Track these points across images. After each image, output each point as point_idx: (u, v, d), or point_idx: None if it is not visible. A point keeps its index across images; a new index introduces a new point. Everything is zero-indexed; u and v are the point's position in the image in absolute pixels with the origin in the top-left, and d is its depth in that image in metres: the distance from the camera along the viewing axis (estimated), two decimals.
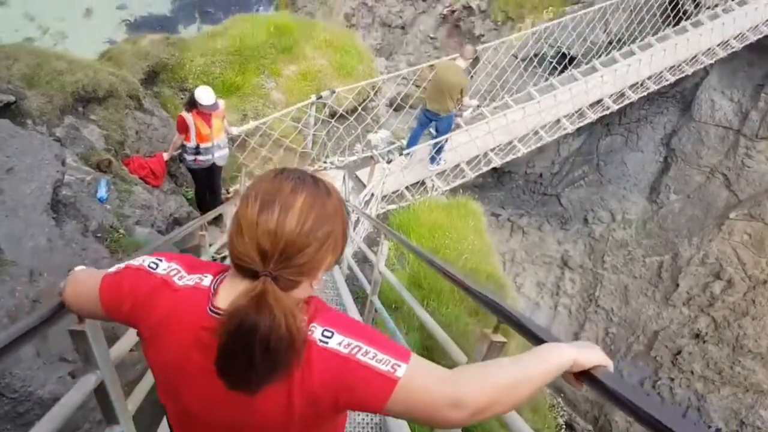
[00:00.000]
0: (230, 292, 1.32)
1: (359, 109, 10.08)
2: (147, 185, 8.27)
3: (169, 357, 1.40)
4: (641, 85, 11.76)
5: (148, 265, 1.48)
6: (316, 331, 1.30)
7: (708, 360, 17.09)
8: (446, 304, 8.28)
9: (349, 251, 8.37)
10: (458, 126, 10.70)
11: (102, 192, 7.22)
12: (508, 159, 10.78)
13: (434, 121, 9.72)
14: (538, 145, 10.91)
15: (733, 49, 13.12)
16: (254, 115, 10.23)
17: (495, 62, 13.02)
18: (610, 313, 18.47)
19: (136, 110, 9.05)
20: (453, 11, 19.86)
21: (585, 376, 1.33)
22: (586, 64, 12.72)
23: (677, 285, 17.55)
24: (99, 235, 6.75)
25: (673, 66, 12.07)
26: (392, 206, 9.72)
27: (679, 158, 17.70)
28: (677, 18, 14.09)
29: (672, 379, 17.52)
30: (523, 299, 18.38)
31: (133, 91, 8.98)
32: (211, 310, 1.34)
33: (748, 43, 13.42)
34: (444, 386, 1.24)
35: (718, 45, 12.71)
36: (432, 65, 10.30)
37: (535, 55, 13.84)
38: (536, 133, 10.84)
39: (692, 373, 17.32)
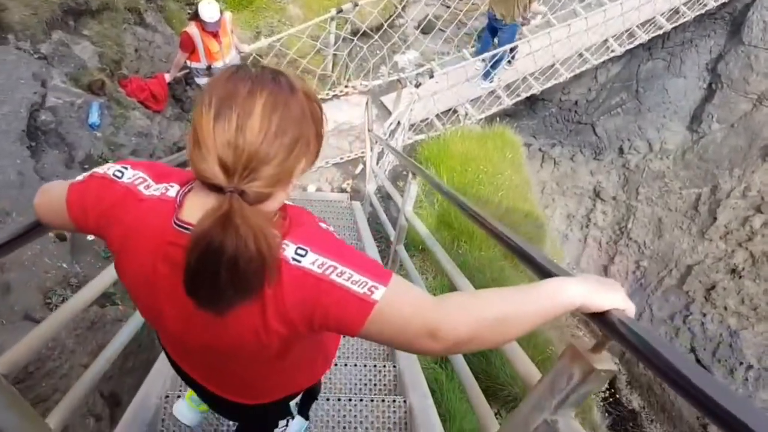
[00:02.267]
0: (196, 206, 1.18)
1: (385, 26, 8.67)
2: (147, 110, 7.14)
3: (137, 272, 1.27)
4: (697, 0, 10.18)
5: (113, 174, 1.32)
6: (289, 249, 1.18)
7: (743, 295, 15.91)
8: (479, 245, 7.13)
9: (371, 187, 7.21)
10: (522, 36, 9.33)
11: (94, 117, 6.17)
12: (549, 85, 9.40)
13: (497, 29, 8.49)
14: (583, 69, 9.50)
15: None
16: (269, 32, 8.92)
17: None
18: (642, 246, 17.25)
19: (136, 25, 7.82)
20: None
21: (597, 318, 1.17)
22: None
23: (715, 218, 16.20)
24: (86, 166, 5.75)
25: None
26: (420, 136, 8.47)
27: (724, 84, 16.00)
28: None
29: (704, 315, 16.42)
30: (552, 231, 17.24)
31: (132, 3, 7.74)
32: (176, 223, 1.20)
33: None
34: (424, 314, 1.14)
35: None
36: None
37: None
38: (581, 55, 9.41)
39: (726, 308, 16.19)
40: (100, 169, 1.35)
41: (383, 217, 6.27)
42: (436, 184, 3.53)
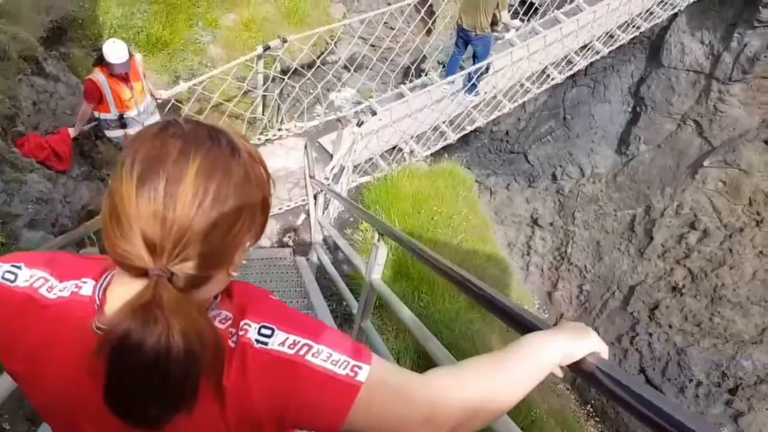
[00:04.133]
0: (120, 300, 0.89)
1: (318, 62, 7.72)
2: (49, 171, 5.92)
3: (58, 398, 1.00)
4: (631, 24, 9.71)
5: (2, 277, 1.03)
6: (251, 330, 0.97)
7: (686, 313, 15.54)
8: (441, 296, 6.18)
9: (318, 238, 6.18)
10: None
11: None
12: (492, 117, 8.66)
13: (468, 43, 8.01)
14: (524, 99, 8.82)
15: None
16: (188, 75, 7.82)
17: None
18: (583, 270, 16.76)
19: (34, 75, 6.61)
20: None
21: (575, 367, 1.12)
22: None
23: (651, 238, 15.87)
24: None
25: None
26: (366, 178, 7.52)
27: (648, 107, 15.84)
28: None
29: (650, 334, 15.97)
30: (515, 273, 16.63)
31: (28, 51, 6.54)
32: (96, 326, 0.92)
33: None
34: (415, 396, 0.98)
35: None
36: None
37: None
38: (522, 85, 8.73)
39: (671, 326, 15.79)
40: None
41: (337, 277, 5.27)
42: (396, 236, 3.04)
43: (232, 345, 0.96)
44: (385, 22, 9.79)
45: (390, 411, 0.96)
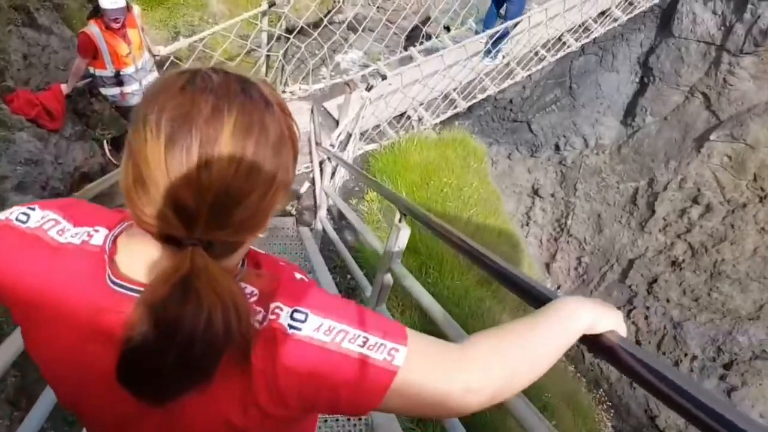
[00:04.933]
0: (136, 258, 0.86)
1: (325, 21, 7.24)
2: (40, 129, 5.52)
3: (57, 352, 0.91)
4: None
5: (17, 218, 0.96)
6: (283, 314, 0.89)
7: (685, 287, 15.34)
8: (450, 272, 5.86)
9: (323, 213, 5.83)
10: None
11: None
12: (504, 85, 8.22)
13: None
14: (539, 67, 8.38)
15: None
16: (189, 32, 7.33)
17: None
18: (582, 242, 16.49)
19: (25, 27, 6.13)
20: None
21: (591, 341, 1.06)
22: None
23: (653, 211, 15.57)
24: None
25: None
26: (372, 146, 7.12)
27: (656, 78, 15.37)
28: None
29: (647, 308, 15.80)
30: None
31: (19, 0, 6.09)
32: (112, 281, 0.87)
33: None
34: (454, 369, 0.93)
35: None
36: None
37: None
38: (537, 53, 8.27)
39: (668, 300, 15.62)
40: (0, 215, 0.97)
41: (342, 249, 4.94)
42: (422, 218, 2.61)
43: (257, 325, 0.88)
44: None
45: (429, 388, 0.91)
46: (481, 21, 8.42)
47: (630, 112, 16.02)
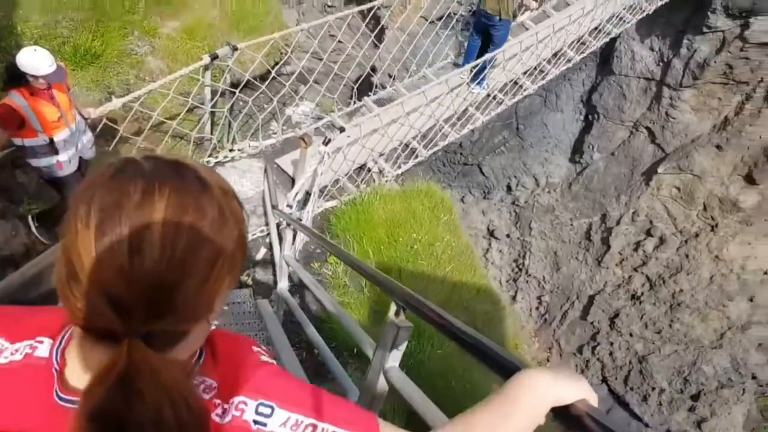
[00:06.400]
0: (84, 365, 0.81)
1: (273, 73, 6.60)
2: None
3: None
4: (601, 30, 8.93)
5: None
6: (248, 409, 0.85)
7: (646, 320, 15.02)
8: (429, 339, 5.18)
9: (283, 284, 5.07)
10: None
11: None
12: (464, 131, 7.72)
13: (488, 28, 7.46)
14: (497, 111, 7.94)
15: None
16: (124, 91, 6.58)
17: (404, 27, 9.70)
18: (541, 281, 16.07)
19: None
20: None
21: (560, 410, 0.99)
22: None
23: (608, 246, 15.30)
24: None
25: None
26: (332, 202, 6.43)
27: (600, 115, 15.31)
28: None
29: (611, 344, 15.39)
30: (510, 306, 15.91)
31: None
32: (59, 397, 0.81)
33: None
34: None
35: None
36: None
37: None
38: (494, 97, 7.83)
39: (631, 335, 15.25)
40: None
41: (307, 323, 4.22)
42: (427, 313, 1.99)
43: (218, 419, 0.83)
44: (331, 35, 8.86)
45: None
46: (461, 56, 8.41)
47: (577, 150, 15.87)
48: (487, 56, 7.37)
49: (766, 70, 13.01)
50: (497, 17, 7.29)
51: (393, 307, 2.27)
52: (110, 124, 5.73)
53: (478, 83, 7.72)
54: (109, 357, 0.71)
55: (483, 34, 7.71)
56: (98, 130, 5.72)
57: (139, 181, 0.74)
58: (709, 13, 12.88)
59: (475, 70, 7.49)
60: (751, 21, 12.39)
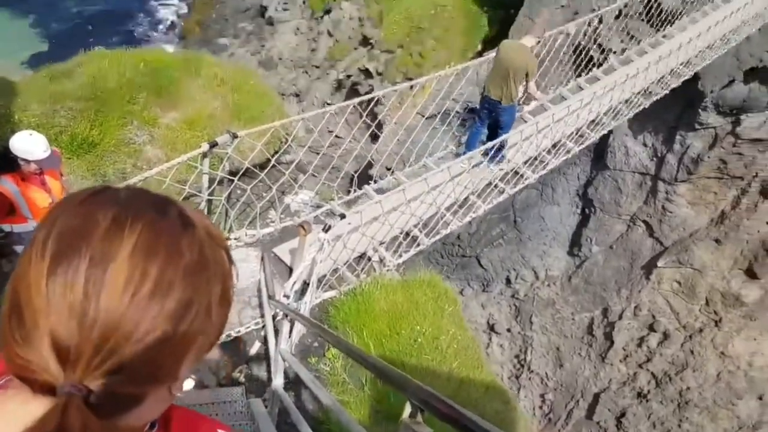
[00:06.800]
0: (14, 421, 0.63)
1: (272, 161, 6.48)
2: None
3: None
4: (598, 122, 8.99)
5: None
6: None
7: (654, 420, 14.32)
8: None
9: (278, 381, 4.69)
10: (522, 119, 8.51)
11: None
12: (466, 219, 7.55)
13: (494, 113, 7.53)
14: (499, 199, 7.81)
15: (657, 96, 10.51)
16: (120, 180, 6.42)
17: (401, 122, 9.84)
18: (544, 378, 15.47)
19: None
20: (349, 75, 17.01)
21: None
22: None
23: (612, 342, 14.85)
24: None
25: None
26: (331, 293, 6.13)
27: (597, 208, 15.28)
28: (587, 66, 11.24)
29: None
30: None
31: None
32: None
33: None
34: None
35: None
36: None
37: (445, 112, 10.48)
38: (495, 186, 7.74)
39: None
40: None
41: (304, 426, 3.82)
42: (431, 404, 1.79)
43: None
44: (330, 131, 8.92)
45: None
46: (463, 144, 8.40)
47: (576, 243, 15.73)
48: (498, 139, 7.43)
49: (760, 165, 13.08)
50: (499, 102, 7.37)
51: (408, 408, 1.94)
52: None
53: (498, 161, 7.74)
54: (40, 417, 0.61)
55: (489, 119, 7.76)
56: None
57: (110, 210, 0.65)
58: (700, 110, 13.11)
59: (492, 152, 7.53)
60: (742, 118, 12.58)
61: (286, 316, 4.44)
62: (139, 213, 0.66)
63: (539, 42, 7.53)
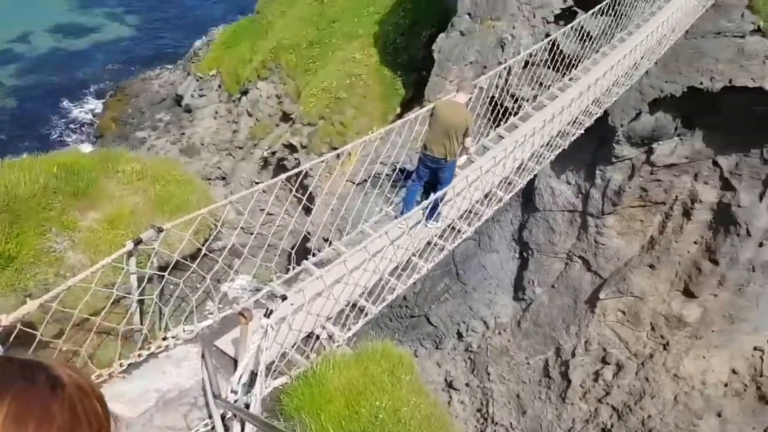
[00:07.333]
0: None
1: (203, 250, 6.19)
2: None
3: None
4: (524, 168, 9.15)
5: None
6: None
7: None
8: None
9: None
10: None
11: None
12: (410, 282, 7.40)
13: (436, 170, 7.61)
14: (440, 257, 7.71)
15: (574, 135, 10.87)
16: (43, 293, 5.95)
17: (332, 191, 9.83)
18: (509, 428, 15.17)
19: None
20: (274, 152, 16.93)
21: None
22: None
23: (569, 380, 14.80)
24: None
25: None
26: (281, 379, 5.78)
27: (534, 250, 15.48)
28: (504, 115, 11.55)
29: None
30: None
31: None
32: None
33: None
34: None
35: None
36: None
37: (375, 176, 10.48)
38: (435, 244, 7.66)
39: None
40: None
41: None
42: None
43: None
44: (261, 209, 8.74)
45: None
46: (398, 204, 8.44)
47: (519, 287, 15.81)
48: (439, 194, 7.40)
49: (678, 189, 13.62)
50: (444, 159, 7.42)
51: None
52: (26, 329, 5.05)
53: (435, 219, 7.73)
54: None
55: (428, 177, 7.78)
56: (12, 338, 5.02)
57: None
58: (614, 144, 13.62)
59: (428, 210, 7.47)
60: (654, 146, 13.12)
61: (235, 416, 4.10)
62: (7, 384, 0.68)
63: (470, 98, 7.69)
